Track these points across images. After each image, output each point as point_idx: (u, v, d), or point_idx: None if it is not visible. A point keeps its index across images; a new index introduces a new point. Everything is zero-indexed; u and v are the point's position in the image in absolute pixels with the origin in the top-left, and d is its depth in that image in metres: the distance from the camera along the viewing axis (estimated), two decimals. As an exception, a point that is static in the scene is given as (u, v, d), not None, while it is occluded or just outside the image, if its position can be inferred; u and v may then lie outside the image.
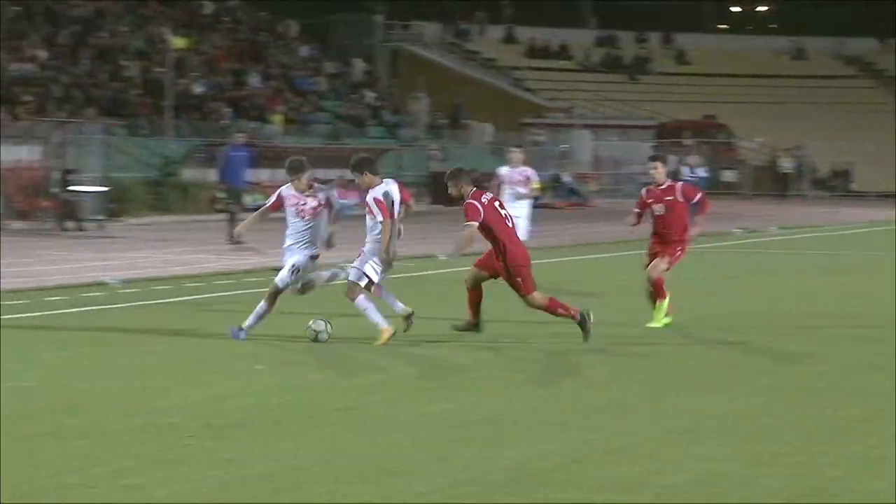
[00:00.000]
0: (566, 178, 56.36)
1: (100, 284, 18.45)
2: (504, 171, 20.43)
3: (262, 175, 43.54)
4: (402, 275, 21.63)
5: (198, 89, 47.84)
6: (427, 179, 51.61)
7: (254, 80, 51.70)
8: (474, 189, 13.75)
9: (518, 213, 19.70)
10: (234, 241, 27.62)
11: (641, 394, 10.77)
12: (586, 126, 64.38)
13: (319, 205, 13.88)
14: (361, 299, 13.33)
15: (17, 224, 31.74)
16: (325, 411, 9.90)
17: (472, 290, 13.68)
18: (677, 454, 8.49)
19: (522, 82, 72.35)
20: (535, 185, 20.66)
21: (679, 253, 15.06)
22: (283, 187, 14.09)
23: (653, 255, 15.00)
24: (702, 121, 70.04)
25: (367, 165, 13.98)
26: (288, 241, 13.92)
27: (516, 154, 20.71)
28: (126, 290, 18.12)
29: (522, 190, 20.20)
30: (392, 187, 13.84)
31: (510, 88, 71.20)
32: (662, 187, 15.15)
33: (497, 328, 14.98)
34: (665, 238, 15.03)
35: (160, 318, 15.38)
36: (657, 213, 15.11)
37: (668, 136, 66.51)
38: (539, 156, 62.27)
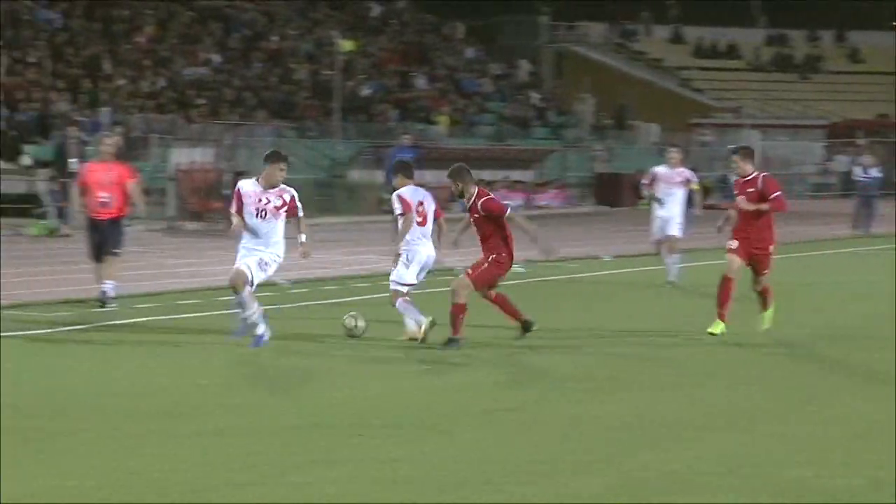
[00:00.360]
0: (734, 179, 55.27)
1: (271, 285, 18.77)
2: (661, 170, 20.24)
3: (428, 176, 43.93)
4: (565, 276, 21.57)
5: (365, 91, 48.41)
6: (591, 180, 51.37)
7: (420, 82, 52.10)
8: (478, 188, 14.14)
9: (671, 212, 19.63)
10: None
11: (805, 397, 10.56)
12: (755, 126, 63.37)
13: (284, 204, 13.10)
14: (399, 303, 13.76)
15: (190, 225, 32.50)
16: (494, 411, 9.92)
17: (493, 298, 13.71)
18: (848, 459, 8.31)
19: (690, 82, 71.56)
20: (695, 185, 20.44)
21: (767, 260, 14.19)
22: (244, 182, 13.19)
23: (738, 251, 14.07)
24: (875, 120, 68.40)
25: (402, 170, 14.51)
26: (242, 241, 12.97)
27: (675, 154, 20.56)
28: (295, 291, 18.41)
29: (678, 190, 20.01)
30: (427, 198, 14.26)
31: (677, 89, 70.48)
32: (747, 178, 14.83)
33: (662, 332, 14.86)
34: (749, 234, 14.18)
35: (327, 318, 15.58)
36: (740, 207, 14.76)
37: (839, 135, 65.09)
38: (706, 156, 61.56)
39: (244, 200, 12.98)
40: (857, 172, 35.72)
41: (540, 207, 46.64)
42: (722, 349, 13.47)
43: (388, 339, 13.76)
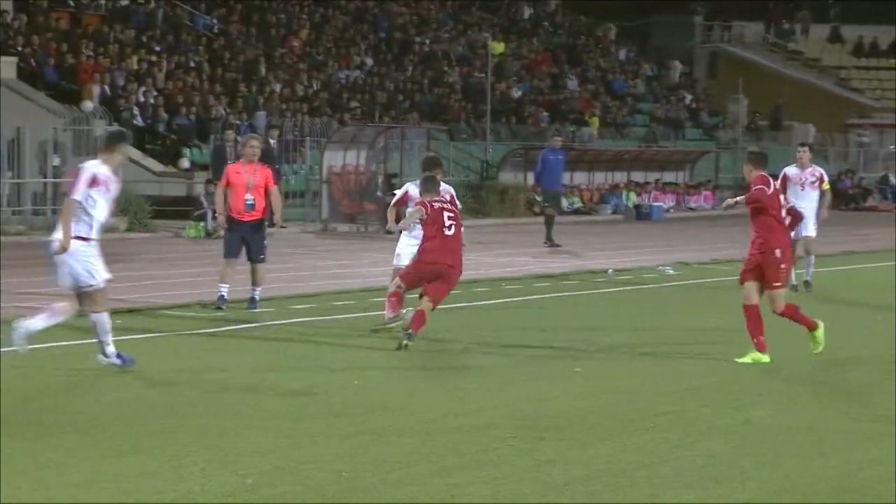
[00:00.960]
0: (894, 179, 54.34)
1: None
2: (791, 171, 19.58)
3: (579, 178, 43.77)
4: (717, 279, 21.34)
5: (516, 93, 48.46)
6: (744, 182, 50.64)
7: (571, 84, 51.97)
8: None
9: (806, 212, 19.13)
10: (552, 244, 27.94)
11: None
12: (917, 126, 61.87)
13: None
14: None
15: (343, 227, 32.88)
16: (644, 415, 9.85)
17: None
18: None
19: (848, 82, 70.16)
20: (826, 185, 19.89)
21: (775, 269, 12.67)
22: (91, 163, 11.75)
23: (746, 273, 12.75)
24: None
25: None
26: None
27: (805, 154, 19.92)
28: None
29: (811, 191, 19.50)
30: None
31: (834, 88, 69.15)
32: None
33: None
34: (754, 240, 12.95)
35: (479, 319, 15.63)
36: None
37: None
38: (865, 157, 60.26)
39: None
40: None
41: (691, 209, 46.18)
42: (851, 355, 13.17)
43: (549, 343, 13.73)
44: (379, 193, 33.03)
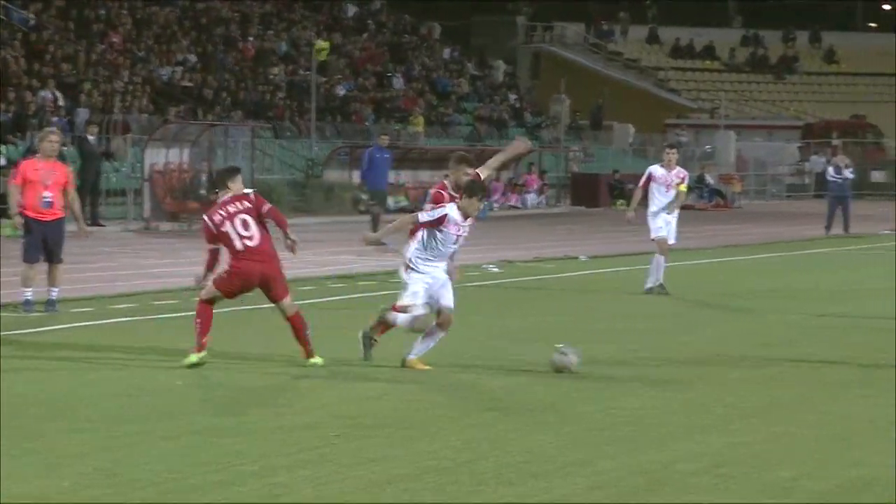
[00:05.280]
0: (709, 179, 55.74)
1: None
2: (658, 170, 19.60)
3: (405, 177, 43.91)
4: (541, 276, 21.60)
5: (341, 91, 48.37)
6: (568, 180, 51.46)
7: (396, 82, 52.08)
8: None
9: (671, 216, 19.21)
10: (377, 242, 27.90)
11: (788, 398, 10.59)
12: (731, 126, 63.62)
13: None
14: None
15: (166, 225, 32.41)
16: (468, 412, 9.91)
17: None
18: (827, 459, 8.33)
19: (666, 83, 71.76)
20: (683, 186, 19.88)
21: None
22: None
23: None
24: (850, 121, 68.72)
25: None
26: None
27: (673, 155, 19.88)
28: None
29: (675, 191, 19.42)
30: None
31: (653, 89, 70.68)
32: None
33: (635, 331, 14.90)
34: None
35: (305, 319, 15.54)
36: None
37: (814, 136, 65.37)
38: (682, 157, 61.60)
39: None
40: (831, 173, 35.85)
41: (516, 207, 46.72)
42: (708, 347, 13.50)
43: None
44: (203, 192, 32.64)
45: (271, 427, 9.30)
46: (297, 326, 12.24)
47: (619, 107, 63.63)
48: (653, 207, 19.32)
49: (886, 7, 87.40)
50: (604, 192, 50.01)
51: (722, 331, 15.18)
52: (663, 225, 19.17)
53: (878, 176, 63.85)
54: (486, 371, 11.84)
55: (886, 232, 34.99)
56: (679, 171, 19.60)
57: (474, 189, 12.28)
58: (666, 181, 19.33)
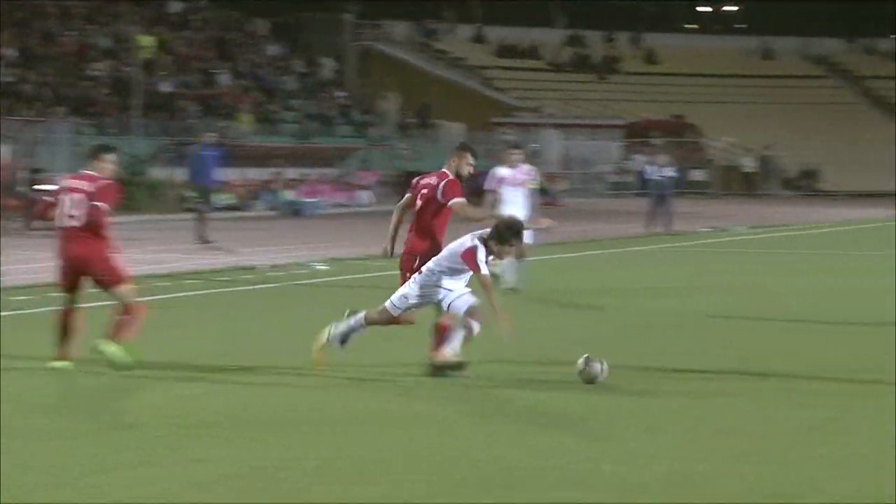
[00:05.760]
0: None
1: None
2: (504, 171, 19.48)
3: (231, 174, 43.54)
4: (368, 274, 21.64)
5: (166, 88, 47.72)
6: (396, 178, 51.59)
7: (223, 79, 51.59)
8: None
9: (522, 214, 19.23)
10: (204, 240, 27.65)
11: (621, 392, 10.79)
12: (555, 125, 64.54)
13: None
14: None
15: (-16, 223, 31.59)
16: (293, 413, 9.87)
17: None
18: (641, 450, 8.52)
19: (492, 81, 72.43)
20: (533, 184, 19.90)
21: None
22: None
23: None
24: (670, 120, 70.31)
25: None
26: None
27: (516, 155, 19.88)
28: (93, 290, 18.02)
29: (523, 190, 19.40)
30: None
31: (479, 88, 71.27)
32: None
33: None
34: None
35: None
36: None
37: (636, 135, 66.73)
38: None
39: None
40: (652, 172, 36.62)
41: (344, 205, 46.67)
42: (522, 345, 13.67)
43: (196, 341, 13.57)
44: (22, 189, 31.90)
45: (93, 429, 9.15)
46: (125, 315, 11.79)
47: (447, 105, 64.03)
48: (507, 209, 19.25)
49: (705, 9, 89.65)
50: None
51: (539, 328, 15.37)
52: None
53: (697, 175, 65.46)
54: (311, 372, 11.80)
55: (706, 229, 35.90)
56: (528, 170, 19.61)
57: (506, 235, 11.31)
58: (514, 181, 19.39)
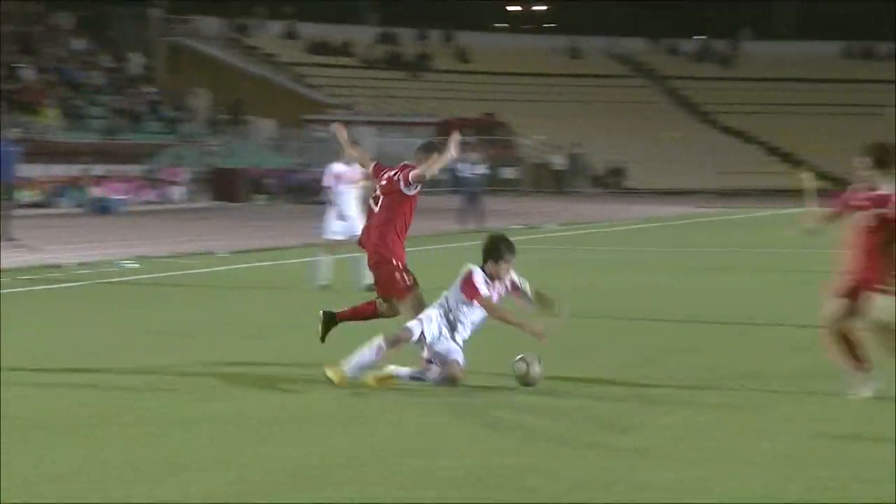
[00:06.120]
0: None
1: None
2: (341, 167, 19.33)
3: (36, 171, 42.45)
4: (179, 272, 21.33)
5: (-33, 82, 46.35)
6: (208, 175, 51.01)
7: (26, 74, 50.29)
8: None
9: (354, 211, 19.23)
10: (7, 238, 26.91)
11: (428, 388, 10.82)
12: (369, 123, 64.61)
13: None
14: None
15: None
16: (103, 412, 9.67)
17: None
18: (456, 447, 8.57)
19: (304, 78, 72.16)
20: (364, 183, 19.84)
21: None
22: None
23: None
24: (482, 118, 71.03)
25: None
26: None
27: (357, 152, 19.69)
28: None
29: (355, 188, 19.38)
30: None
31: (292, 84, 70.95)
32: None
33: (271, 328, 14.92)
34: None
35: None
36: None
37: (449, 132, 67.13)
38: (322, 153, 62.13)
39: None
40: (464, 169, 36.92)
41: (153, 202, 45.94)
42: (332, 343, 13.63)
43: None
44: None
45: None
46: None
47: (259, 102, 63.56)
48: (338, 205, 19.15)
49: (515, 8, 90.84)
50: (244, 187, 49.86)
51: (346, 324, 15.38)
52: (342, 230, 19.07)
53: (508, 172, 66.28)
54: (125, 370, 11.58)
55: (517, 226, 36.34)
56: (361, 169, 19.46)
57: (500, 250, 10.69)
58: (349, 178, 19.30)
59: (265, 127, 61.56)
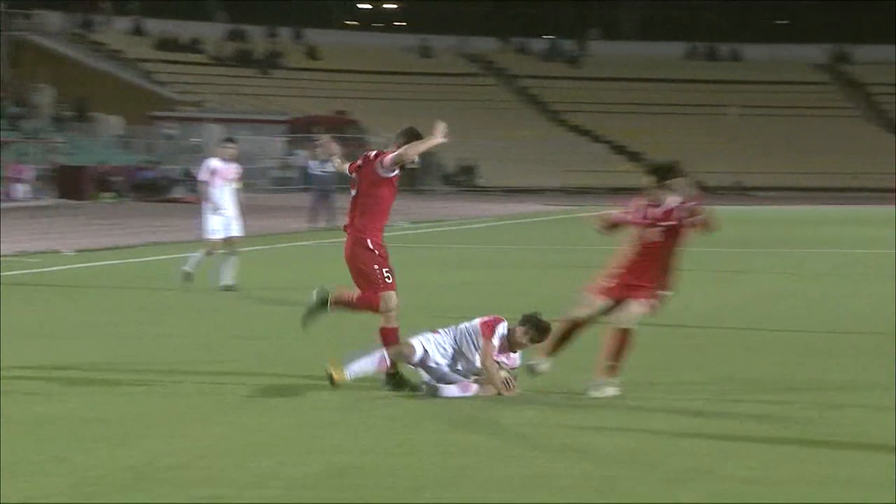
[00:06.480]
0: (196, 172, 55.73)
1: None
2: (218, 164, 19.01)
3: None
4: (25, 271, 20.94)
5: None
6: (52, 172, 50.06)
7: None
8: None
9: (232, 210, 18.94)
10: None
11: (272, 388, 10.81)
12: (218, 120, 64.02)
13: None
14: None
15: None
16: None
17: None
18: (307, 447, 8.59)
19: (152, 75, 71.18)
20: (238, 183, 19.58)
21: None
22: None
23: None
24: (333, 116, 70.85)
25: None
26: None
27: (231, 149, 19.52)
28: None
29: (232, 186, 19.14)
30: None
31: (139, 81, 69.93)
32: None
33: (124, 322, 14.78)
34: None
35: None
36: None
37: (300, 131, 66.92)
38: (170, 150, 61.41)
39: None
40: (315, 167, 36.82)
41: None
42: (187, 343, 13.53)
43: None
44: None
45: None
46: None
47: (106, 98, 62.53)
48: (214, 202, 18.93)
49: (363, 6, 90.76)
50: (90, 184, 49.02)
51: (195, 322, 15.27)
52: (221, 228, 18.84)
53: (361, 170, 66.16)
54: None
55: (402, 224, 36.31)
56: (236, 168, 19.33)
57: (542, 330, 10.49)
58: (225, 175, 19.03)
59: (112, 124, 60.62)
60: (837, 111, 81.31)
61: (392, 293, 10.73)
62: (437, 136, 11.27)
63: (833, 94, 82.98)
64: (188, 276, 18.48)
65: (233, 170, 19.19)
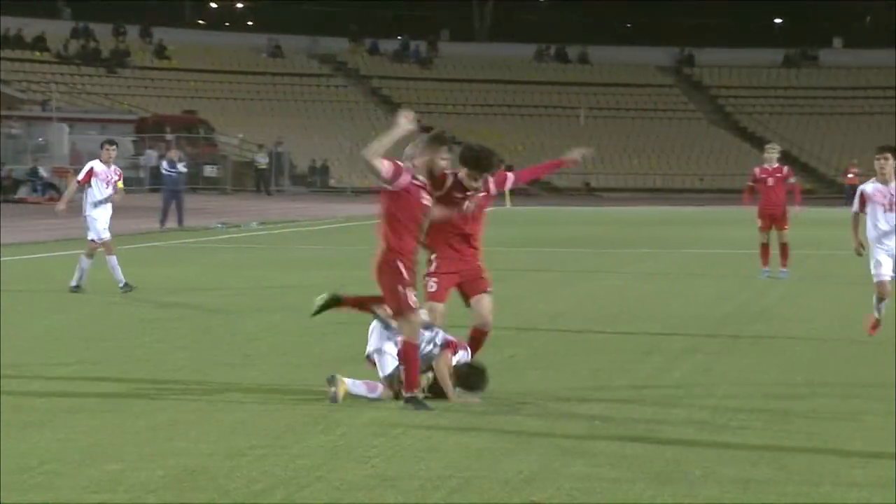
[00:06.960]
0: (43, 172, 54.89)
1: None
2: (100, 167, 18.86)
3: None
4: None
5: None
6: None
7: None
8: None
9: (105, 214, 18.76)
10: None
11: (115, 391, 10.67)
12: (63, 119, 62.85)
13: None
14: None
15: None
16: None
17: None
18: (152, 451, 8.50)
19: (-4, 73, 69.65)
20: (121, 184, 19.28)
21: None
22: None
23: None
24: (182, 116, 70.05)
25: None
26: None
27: (112, 151, 19.14)
28: None
29: (111, 190, 18.86)
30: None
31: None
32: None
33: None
34: None
35: None
36: None
37: (148, 130, 66.02)
38: (15, 149, 60.11)
39: None
40: (165, 167, 36.41)
41: None
42: (38, 341, 13.29)
43: None
44: None
45: None
46: None
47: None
48: (94, 202, 18.72)
49: (213, 5, 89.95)
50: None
51: (47, 325, 15.03)
52: (103, 230, 18.67)
53: (210, 170, 65.59)
54: None
55: (218, 225, 36.07)
56: (115, 169, 19.13)
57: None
58: (105, 178, 18.83)
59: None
60: (683, 113, 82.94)
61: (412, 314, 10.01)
62: (403, 124, 10.56)
63: (678, 96, 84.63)
64: (78, 290, 18.37)
65: (114, 173, 19.05)
